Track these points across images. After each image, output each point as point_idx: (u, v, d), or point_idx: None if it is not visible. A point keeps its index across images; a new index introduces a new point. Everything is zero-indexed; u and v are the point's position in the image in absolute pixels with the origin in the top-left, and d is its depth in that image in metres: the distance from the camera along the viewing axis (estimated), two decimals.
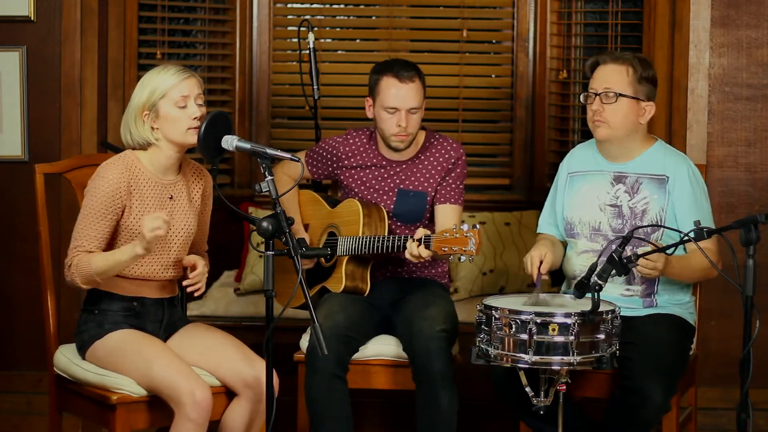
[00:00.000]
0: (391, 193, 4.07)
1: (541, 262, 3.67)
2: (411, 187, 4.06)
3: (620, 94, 3.69)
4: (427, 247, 3.63)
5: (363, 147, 4.12)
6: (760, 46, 4.56)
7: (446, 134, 4.17)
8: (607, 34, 5.03)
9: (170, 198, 3.60)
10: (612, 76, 3.72)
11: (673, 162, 3.78)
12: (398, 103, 3.94)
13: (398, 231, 4.04)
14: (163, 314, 3.63)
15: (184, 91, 3.51)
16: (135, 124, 3.53)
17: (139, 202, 3.53)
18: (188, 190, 3.66)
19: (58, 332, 3.76)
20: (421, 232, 3.66)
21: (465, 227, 3.55)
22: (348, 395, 3.81)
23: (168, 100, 3.50)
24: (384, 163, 4.09)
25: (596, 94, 3.72)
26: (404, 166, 4.08)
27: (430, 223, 4.06)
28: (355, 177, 4.10)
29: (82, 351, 3.59)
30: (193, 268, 3.56)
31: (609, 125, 3.72)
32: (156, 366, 3.43)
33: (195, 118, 3.51)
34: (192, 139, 3.52)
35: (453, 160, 4.05)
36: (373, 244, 3.86)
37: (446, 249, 3.57)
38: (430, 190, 4.05)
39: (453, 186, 4.05)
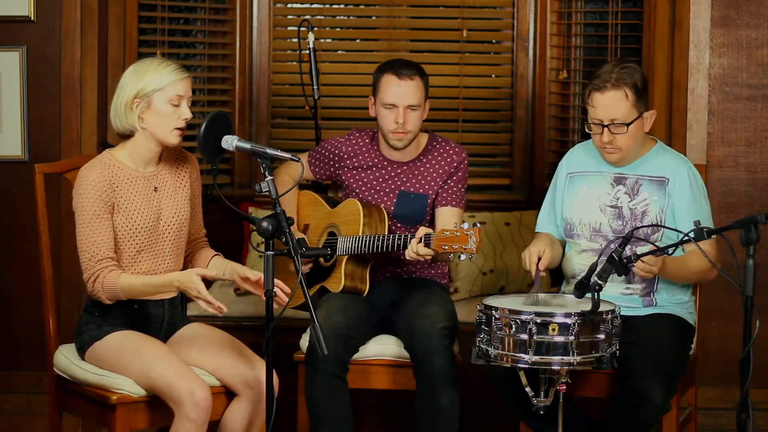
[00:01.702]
0: (391, 195, 4.06)
1: (539, 259, 3.67)
2: (412, 189, 4.05)
3: (629, 123, 3.66)
4: (428, 245, 3.62)
5: (365, 147, 4.12)
6: (760, 46, 4.56)
7: (448, 136, 4.17)
8: (607, 34, 5.03)
9: (154, 190, 3.59)
10: (614, 106, 3.65)
11: (673, 163, 3.78)
12: (396, 99, 3.95)
13: (398, 233, 4.03)
14: (164, 315, 3.63)
15: (180, 91, 3.51)
16: (124, 111, 3.52)
17: (124, 199, 3.53)
18: (173, 177, 3.65)
19: (58, 332, 3.76)
20: (423, 231, 3.66)
21: (465, 225, 3.55)
22: (348, 395, 3.81)
23: (163, 95, 3.50)
24: (385, 163, 4.09)
25: (603, 126, 3.68)
26: (406, 167, 4.08)
27: (430, 226, 4.06)
28: (356, 177, 4.10)
29: (82, 351, 3.59)
30: (258, 283, 3.53)
31: (622, 150, 3.71)
32: (155, 366, 3.43)
33: (184, 119, 3.51)
34: (174, 140, 3.52)
35: (456, 164, 4.06)
36: (373, 243, 3.86)
37: (446, 247, 3.57)
38: (431, 192, 4.05)
39: (455, 189, 4.05)
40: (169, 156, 3.67)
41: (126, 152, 3.57)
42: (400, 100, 3.95)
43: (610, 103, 3.65)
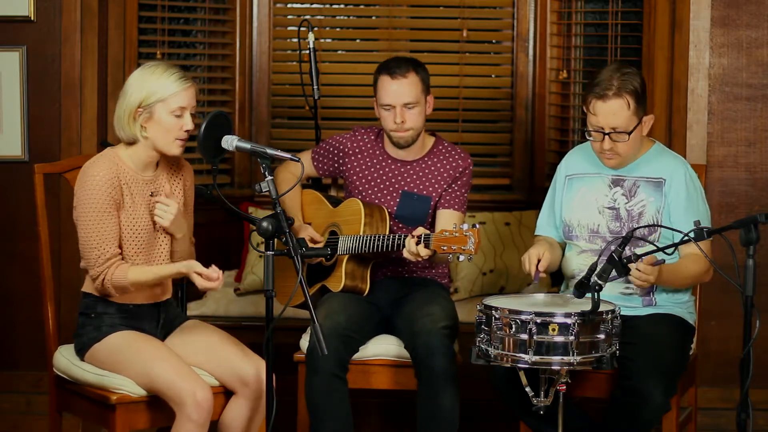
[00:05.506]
0: (394, 194, 4.06)
1: (539, 261, 3.67)
2: (415, 190, 4.05)
3: (630, 132, 3.64)
4: (427, 245, 3.63)
5: (370, 144, 4.12)
6: (760, 46, 4.56)
7: (448, 136, 4.18)
8: (607, 34, 5.03)
9: (151, 195, 3.59)
10: (616, 114, 3.62)
11: (670, 165, 3.77)
12: (391, 99, 3.96)
13: (399, 233, 4.03)
14: (159, 315, 3.63)
15: (183, 102, 3.50)
16: (126, 120, 3.51)
17: (128, 199, 3.52)
18: (169, 184, 3.65)
19: (58, 332, 3.76)
20: (420, 230, 3.66)
21: (465, 226, 3.56)
22: (348, 395, 3.81)
23: (165, 106, 3.48)
24: (389, 161, 4.09)
25: (604, 133, 3.66)
26: (409, 166, 4.08)
27: (430, 229, 4.05)
28: (360, 174, 4.11)
29: (81, 353, 3.59)
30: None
31: (621, 156, 3.70)
32: (156, 367, 3.43)
33: (186, 131, 3.51)
34: (175, 150, 3.52)
35: (461, 170, 4.06)
36: (373, 243, 3.86)
37: (445, 248, 3.57)
38: (434, 195, 4.05)
39: (458, 193, 4.05)
40: (167, 162, 3.66)
41: (128, 154, 3.56)
42: (395, 100, 3.96)
43: (612, 112, 3.63)
